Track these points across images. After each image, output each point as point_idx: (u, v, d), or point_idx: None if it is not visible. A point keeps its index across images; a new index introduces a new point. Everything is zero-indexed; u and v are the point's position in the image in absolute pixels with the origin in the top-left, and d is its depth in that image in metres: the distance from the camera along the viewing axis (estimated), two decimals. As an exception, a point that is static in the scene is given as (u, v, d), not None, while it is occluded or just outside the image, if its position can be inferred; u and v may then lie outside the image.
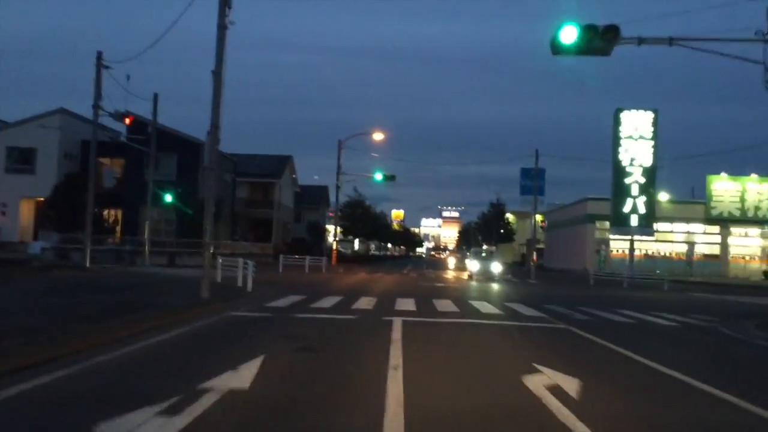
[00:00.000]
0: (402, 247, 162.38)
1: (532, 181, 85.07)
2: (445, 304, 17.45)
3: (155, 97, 32.63)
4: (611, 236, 52.96)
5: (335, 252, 42.33)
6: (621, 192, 44.13)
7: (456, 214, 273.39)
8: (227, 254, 41.40)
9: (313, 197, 73.46)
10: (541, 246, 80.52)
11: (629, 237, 45.35)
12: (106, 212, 39.84)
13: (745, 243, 55.35)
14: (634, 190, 43.87)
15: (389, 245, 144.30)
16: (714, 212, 53.06)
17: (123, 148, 38.89)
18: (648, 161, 43.89)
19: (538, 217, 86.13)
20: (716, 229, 54.56)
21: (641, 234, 44.69)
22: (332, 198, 73.18)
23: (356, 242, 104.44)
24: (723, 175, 53.32)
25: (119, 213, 40.06)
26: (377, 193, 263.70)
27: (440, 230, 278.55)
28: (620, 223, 44.19)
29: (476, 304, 18.17)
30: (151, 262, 32.71)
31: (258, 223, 57.91)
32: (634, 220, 43.81)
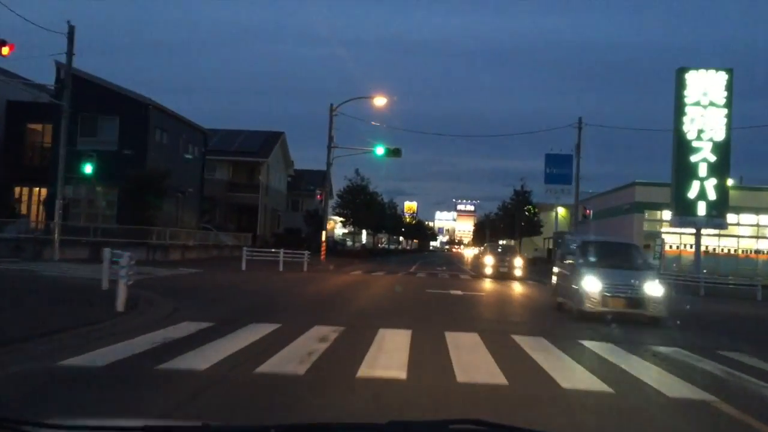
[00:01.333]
0: (415, 240, 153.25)
1: (560, 168, 76.10)
2: (470, 349, 8.68)
3: (70, 31, 23.78)
4: (665, 229, 43.81)
5: (324, 245, 33.70)
6: (685, 173, 34.99)
7: (471, 208, 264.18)
8: (191, 246, 32.96)
9: (313, 183, 64.78)
10: (570, 240, 71.61)
11: (694, 229, 36.25)
12: (20, 190, 31.54)
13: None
14: (702, 170, 34.70)
15: (401, 239, 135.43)
16: (790, 201, 43.89)
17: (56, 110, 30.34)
18: (720, 134, 34.70)
19: (562, 210, 76.76)
20: (790, 221, 45.30)
21: (710, 226, 35.50)
22: (334, 181, 64.55)
23: (363, 234, 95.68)
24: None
25: (44, 192, 31.42)
26: (390, 186, 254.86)
27: (455, 224, 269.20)
28: (684, 212, 35.05)
29: (531, 346, 9.27)
30: (65, 254, 24.14)
31: (242, 210, 49.32)
32: (701, 209, 34.66)
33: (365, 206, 51.90)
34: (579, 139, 33.43)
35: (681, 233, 42.97)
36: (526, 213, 59.20)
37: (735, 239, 44.84)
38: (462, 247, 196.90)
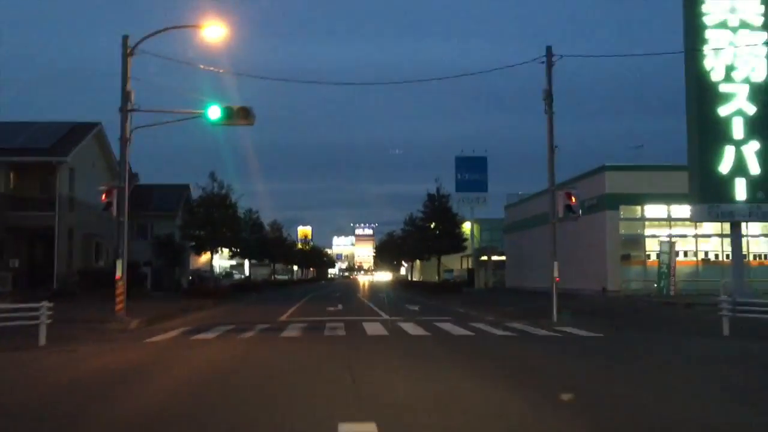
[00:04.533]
0: (311, 269, 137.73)
1: (473, 173, 62.26)
2: None
3: None
4: (650, 231, 31.12)
5: (120, 285, 18.36)
6: (712, 135, 22.37)
7: (370, 232, 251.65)
8: None
9: (167, 203, 48.80)
10: (498, 258, 58.72)
11: (729, 223, 23.61)
12: None
13: None
14: (738, 128, 22.18)
15: (295, 268, 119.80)
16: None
17: None
18: (761, 72, 22.35)
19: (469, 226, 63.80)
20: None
21: (756, 217, 22.75)
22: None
23: (246, 265, 79.76)
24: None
25: None
26: (287, 216, 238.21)
27: (354, 248, 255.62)
28: (713, 197, 22.33)
29: None
30: None
31: (35, 237, 33.05)
32: (740, 189, 22.08)
33: (226, 223, 36.73)
34: (549, 83, 19.70)
35: (672, 236, 30.45)
36: (440, 227, 45.07)
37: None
38: (362, 272, 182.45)
